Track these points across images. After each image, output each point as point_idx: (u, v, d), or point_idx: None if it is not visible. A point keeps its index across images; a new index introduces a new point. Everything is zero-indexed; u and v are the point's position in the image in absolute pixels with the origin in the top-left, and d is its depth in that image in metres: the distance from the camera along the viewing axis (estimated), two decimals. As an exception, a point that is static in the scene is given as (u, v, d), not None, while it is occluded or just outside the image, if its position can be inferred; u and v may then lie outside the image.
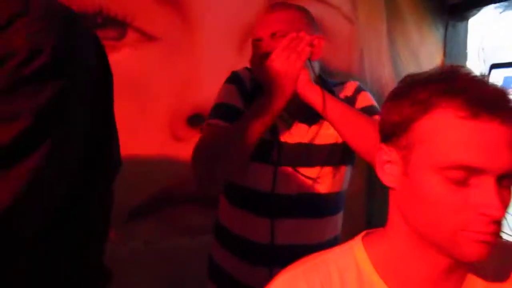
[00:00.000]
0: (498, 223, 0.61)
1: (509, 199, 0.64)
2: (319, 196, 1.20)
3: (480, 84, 0.64)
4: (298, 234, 1.20)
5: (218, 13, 1.65)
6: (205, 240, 1.60)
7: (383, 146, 0.71)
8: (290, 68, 1.07)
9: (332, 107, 1.08)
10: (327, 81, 1.24)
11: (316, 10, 1.83)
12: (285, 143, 1.18)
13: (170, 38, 1.58)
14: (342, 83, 1.25)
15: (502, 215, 0.61)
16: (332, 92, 1.17)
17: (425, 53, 2.17)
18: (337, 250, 0.78)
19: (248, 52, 1.66)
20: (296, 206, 1.19)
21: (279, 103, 1.08)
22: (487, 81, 0.66)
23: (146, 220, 1.60)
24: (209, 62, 1.64)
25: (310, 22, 1.18)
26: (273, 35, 1.12)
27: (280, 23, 1.13)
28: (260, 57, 1.14)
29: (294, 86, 1.08)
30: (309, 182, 1.19)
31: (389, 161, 0.70)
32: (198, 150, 1.14)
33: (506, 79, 2.15)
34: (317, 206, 1.20)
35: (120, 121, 1.53)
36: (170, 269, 1.62)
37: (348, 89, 1.23)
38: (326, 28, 1.89)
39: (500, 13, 2.23)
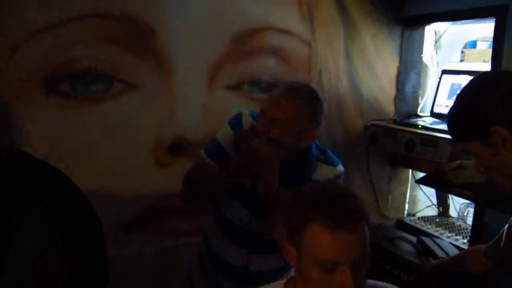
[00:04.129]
0: None
1: (364, 272, 1.04)
2: None
3: (340, 202, 1.02)
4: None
5: (188, 57, 1.94)
6: (189, 241, 2.02)
7: (286, 241, 1.10)
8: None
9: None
10: (310, 159, 1.49)
11: (277, 39, 2.13)
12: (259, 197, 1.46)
13: (150, 84, 1.89)
14: (327, 162, 1.50)
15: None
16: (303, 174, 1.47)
17: (380, 64, 2.43)
18: None
19: (217, 86, 2.00)
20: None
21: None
22: (345, 198, 1.03)
23: (140, 228, 2.00)
24: (184, 99, 1.96)
25: (310, 117, 1.40)
26: (272, 120, 1.37)
27: (283, 113, 1.36)
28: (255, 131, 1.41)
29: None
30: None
31: (290, 251, 1.09)
32: (185, 177, 1.52)
33: (452, 85, 2.43)
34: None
35: (113, 154, 1.91)
36: (162, 265, 2.04)
37: (325, 174, 1.48)
38: (287, 54, 2.17)
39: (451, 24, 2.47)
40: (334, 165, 1.52)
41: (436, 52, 2.58)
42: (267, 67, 2.12)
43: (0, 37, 1.63)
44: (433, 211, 2.64)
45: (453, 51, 2.86)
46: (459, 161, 1.93)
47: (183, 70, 1.94)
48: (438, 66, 2.58)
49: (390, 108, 2.52)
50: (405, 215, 2.68)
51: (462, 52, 3.11)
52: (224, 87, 2.04)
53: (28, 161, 0.96)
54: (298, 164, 1.49)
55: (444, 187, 2.06)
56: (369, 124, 2.43)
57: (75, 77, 1.74)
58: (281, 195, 1.39)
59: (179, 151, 1.96)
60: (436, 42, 2.56)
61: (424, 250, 2.07)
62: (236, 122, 1.52)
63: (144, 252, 2.00)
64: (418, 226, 2.46)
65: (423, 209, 2.66)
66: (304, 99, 1.40)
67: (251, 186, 1.48)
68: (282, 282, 1.20)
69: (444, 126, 2.19)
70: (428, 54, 2.59)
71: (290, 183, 1.43)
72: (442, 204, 2.58)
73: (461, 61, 3.08)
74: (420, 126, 2.25)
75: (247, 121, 1.51)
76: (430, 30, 2.58)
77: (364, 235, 1.02)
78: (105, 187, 1.88)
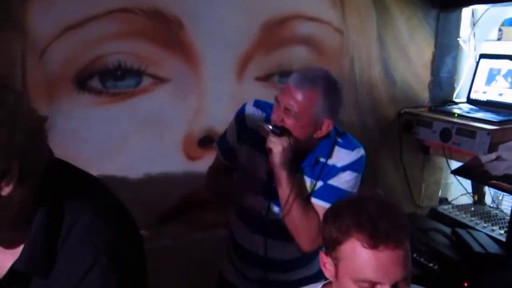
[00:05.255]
0: None
1: None
2: None
3: (380, 218, 0.97)
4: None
5: (217, 49, 1.91)
6: (221, 232, 2.03)
7: (323, 253, 1.07)
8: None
9: (287, 202, 1.39)
10: (327, 144, 1.44)
11: (308, 27, 2.08)
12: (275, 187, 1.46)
13: (179, 77, 1.87)
14: (345, 146, 1.44)
15: None
16: (318, 160, 1.44)
17: (414, 49, 2.35)
18: None
19: (247, 78, 1.97)
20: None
21: None
22: (386, 214, 0.99)
23: (172, 221, 2.02)
24: (213, 91, 1.94)
25: (325, 107, 1.35)
26: (286, 109, 1.35)
27: (296, 103, 1.33)
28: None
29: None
30: None
31: (327, 263, 1.07)
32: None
33: (491, 70, 2.33)
34: None
35: (144, 148, 1.92)
36: (195, 257, 2.06)
37: (343, 159, 1.43)
38: (318, 42, 2.11)
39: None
40: (352, 149, 1.45)
41: (474, 34, 2.46)
42: (298, 56, 2.06)
43: (33, 33, 1.63)
44: (468, 199, 2.57)
45: (490, 29, 2.72)
46: (498, 152, 1.86)
47: (212, 62, 1.92)
48: (475, 50, 2.47)
49: (424, 94, 2.44)
50: (439, 204, 2.62)
51: (500, 30, 2.95)
52: (254, 78, 2.01)
53: (67, 171, 0.95)
54: (313, 149, 1.45)
55: (481, 179, 2.00)
56: (402, 112, 2.36)
57: (105, 73, 1.74)
58: (292, 183, 1.39)
59: (209, 144, 1.95)
60: (474, 24, 2.44)
61: (459, 243, 2.02)
62: (238, 114, 1.55)
63: (177, 244, 2.02)
64: (452, 215, 2.39)
65: (458, 197, 2.60)
66: (319, 89, 1.34)
67: (268, 177, 1.47)
68: (318, 285, 1.19)
69: (482, 115, 2.11)
70: (465, 36, 2.47)
71: (304, 168, 1.45)
72: (478, 192, 2.51)
73: (499, 39, 2.92)
74: (456, 115, 2.16)
75: (249, 111, 1.51)
76: (468, 10, 2.47)
77: (406, 255, 0.98)
78: (137, 180, 1.89)
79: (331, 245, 1.03)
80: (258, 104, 1.53)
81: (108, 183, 1.03)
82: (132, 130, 1.85)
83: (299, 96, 1.33)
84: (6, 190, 0.77)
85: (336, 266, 1.03)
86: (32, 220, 0.84)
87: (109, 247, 0.86)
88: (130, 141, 1.85)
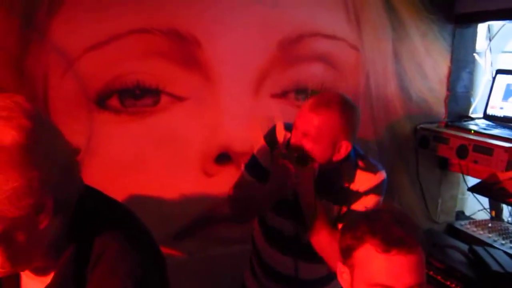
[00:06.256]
0: None
1: None
2: None
3: (394, 225, 1.00)
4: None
5: (234, 66, 1.92)
6: (237, 248, 2.04)
7: (340, 262, 1.09)
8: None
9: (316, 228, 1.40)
10: (348, 168, 1.45)
11: (323, 45, 2.09)
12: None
13: (196, 95, 1.88)
14: (367, 170, 1.46)
15: None
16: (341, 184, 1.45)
17: (430, 64, 2.34)
18: None
19: (263, 95, 1.99)
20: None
21: (273, 188, 1.42)
22: (400, 222, 1.01)
23: (189, 237, 2.03)
24: (230, 109, 1.95)
25: (342, 129, 1.36)
26: (304, 134, 1.37)
27: (313, 127, 1.35)
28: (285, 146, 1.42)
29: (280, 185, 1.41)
30: None
31: (344, 273, 1.09)
32: (231, 193, 1.59)
33: (508, 86, 2.31)
34: None
35: (162, 165, 1.94)
36: (210, 273, 2.07)
37: (365, 183, 1.44)
38: (334, 59, 2.12)
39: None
40: (374, 172, 1.47)
41: (490, 49, 2.45)
42: (314, 73, 2.08)
43: (57, 53, 1.66)
44: (485, 215, 2.54)
45: (507, 40, 2.70)
46: (516, 171, 1.85)
47: (228, 80, 1.93)
48: (492, 65, 2.46)
49: (440, 110, 2.43)
50: (456, 219, 2.60)
51: (517, 42, 2.93)
52: (270, 95, 2.02)
53: (97, 200, 0.98)
54: (336, 174, 1.46)
55: (499, 196, 1.98)
56: (418, 127, 2.35)
57: (124, 92, 1.77)
58: (319, 208, 1.40)
59: (226, 160, 1.96)
60: (490, 39, 2.43)
61: (476, 261, 2.00)
62: (270, 136, 1.55)
63: (193, 260, 2.03)
64: (469, 231, 2.38)
65: (475, 213, 2.57)
66: (334, 112, 1.36)
67: (294, 199, 1.47)
68: None
69: (499, 131, 2.09)
70: (481, 50, 2.46)
71: (328, 194, 1.46)
72: (495, 208, 2.49)
73: (516, 51, 2.90)
74: (473, 131, 2.15)
75: (281, 134, 1.52)
76: (484, 24, 2.46)
77: (419, 262, 1.00)
78: (155, 197, 1.91)
79: (347, 252, 1.06)
80: (287, 126, 1.53)
81: (126, 199, 1.05)
82: (150, 148, 1.87)
83: (316, 120, 1.35)
84: (44, 223, 0.80)
85: (351, 273, 1.05)
86: (63, 248, 0.87)
87: (136, 275, 0.88)
88: (148, 158, 1.87)
